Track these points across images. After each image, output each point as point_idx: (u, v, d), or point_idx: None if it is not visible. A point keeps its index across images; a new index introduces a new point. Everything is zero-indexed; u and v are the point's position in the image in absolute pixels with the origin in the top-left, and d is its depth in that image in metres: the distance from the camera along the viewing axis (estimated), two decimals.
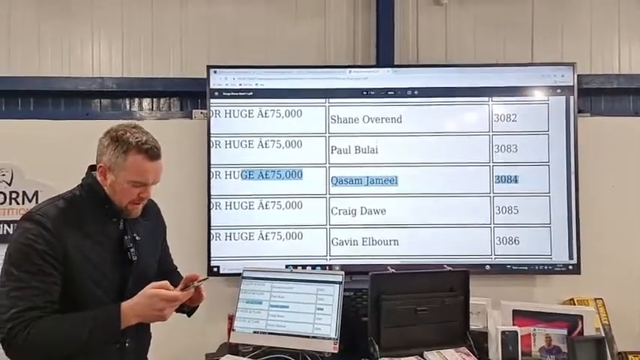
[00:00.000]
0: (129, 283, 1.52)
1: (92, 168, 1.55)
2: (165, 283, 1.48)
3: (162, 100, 2.99)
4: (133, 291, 1.48)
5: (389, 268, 2.23)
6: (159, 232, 1.77)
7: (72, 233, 1.44)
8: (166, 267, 1.82)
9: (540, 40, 2.97)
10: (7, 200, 2.76)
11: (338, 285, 2.22)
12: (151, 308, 1.43)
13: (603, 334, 2.51)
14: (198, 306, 1.74)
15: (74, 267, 1.42)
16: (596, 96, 3.00)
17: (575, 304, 2.65)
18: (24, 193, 2.76)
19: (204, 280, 1.59)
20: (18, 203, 2.75)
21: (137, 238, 1.57)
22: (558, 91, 2.74)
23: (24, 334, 1.33)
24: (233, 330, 2.23)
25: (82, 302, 1.43)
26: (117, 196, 1.49)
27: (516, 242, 2.70)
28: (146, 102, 2.99)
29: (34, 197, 2.75)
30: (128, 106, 2.98)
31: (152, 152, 1.48)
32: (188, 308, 1.73)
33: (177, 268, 1.90)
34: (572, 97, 2.73)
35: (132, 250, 1.53)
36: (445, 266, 2.30)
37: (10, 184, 2.76)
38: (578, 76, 2.77)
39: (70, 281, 1.42)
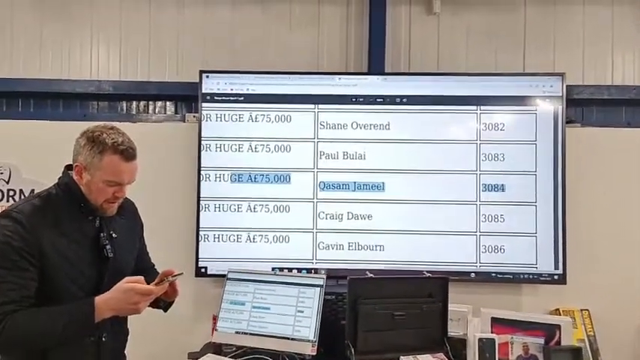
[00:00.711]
0: (105, 279, 1.56)
1: (69, 167, 1.59)
2: (140, 278, 1.52)
3: (157, 104, 3.07)
4: (109, 287, 1.52)
5: (367, 272, 2.25)
6: (136, 230, 1.80)
7: (48, 231, 1.47)
8: (144, 264, 1.85)
9: (532, 51, 2.99)
10: (5, 198, 2.84)
11: (319, 288, 2.25)
12: (125, 302, 1.47)
13: (587, 346, 2.51)
14: (173, 301, 1.78)
15: (50, 264, 1.46)
16: (587, 106, 3.01)
17: (560, 315, 2.64)
18: (21, 191, 2.84)
19: (179, 275, 1.62)
20: (15, 201, 2.83)
21: (114, 235, 1.61)
22: (547, 100, 2.75)
23: (1, 326, 1.36)
24: (216, 330, 2.28)
25: (58, 299, 1.46)
26: (92, 195, 1.53)
27: (502, 251, 2.71)
28: (142, 105, 3.07)
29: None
30: (124, 109, 3.06)
31: (127, 153, 1.52)
32: (164, 303, 1.76)
33: (154, 265, 1.94)
34: (560, 107, 2.74)
35: (108, 247, 1.57)
36: (425, 272, 2.32)
37: (7, 182, 2.84)
38: (569, 86, 2.78)
39: (46, 278, 1.46)
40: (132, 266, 1.73)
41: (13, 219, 1.45)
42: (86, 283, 1.52)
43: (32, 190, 2.82)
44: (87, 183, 1.52)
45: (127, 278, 1.52)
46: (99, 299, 1.47)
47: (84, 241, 1.54)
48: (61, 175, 1.60)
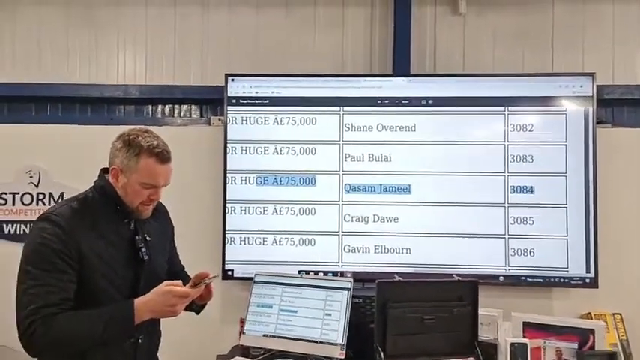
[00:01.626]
0: (141, 281, 1.58)
1: (104, 171, 1.62)
2: (178, 282, 1.55)
3: (183, 107, 3.09)
4: (145, 289, 1.54)
5: (395, 275, 2.23)
6: (167, 233, 1.82)
7: (86, 233, 1.49)
8: (175, 267, 1.87)
9: (560, 51, 2.94)
10: (35, 201, 2.89)
11: (347, 291, 2.24)
12: (163, 304, 1.49)
13: (620, 350, 2.45)
14: (206, 304, 1.80)
15: (88, 266, 1.47)
16: (617, 106, 2.94)
17: (592, 319, 2.59)
18: (50, 194, 2.89)
19: (214, 277, 1.64)
20: (45, 204, 2.88)
21: (147, 238, 1.63)
22: (577, 101, 2.70)
23: (42, 330, 1.38)
24: (243, 333, 2.28)
25: (95, 300, 1.48)
26: (128, 197, 1.55)
27: (531, 254, 2.67)
28: (167, 108, 3.09)
29: (60, 198, 2.87)
30: (150, 113, 3.09)
31: (162, 156, 1.54)
32: (196, 306, 1.78)
33: (184, 267, 1.95)
34: (590, 108, 2.69)
35: (143, 249, 1.59)
36: (454, 275, 2.29)
37: (37, 186, 2.89)
38: (598, 86, 2.73)
39: (85, 280, 1.47)
40: (165, 268, 1.74)
41: (52, 222, 1.46)
42: (122, 285, 1.54)
43: (62, 194, 2.88)
44: (123, 186, 1.54)
45: (165, 282, 1.53)
46: (138, 301, 1.49)
47: (120, 244, 1.56)
48: (95, 178, 1.63)
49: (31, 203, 2.89)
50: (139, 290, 1.55)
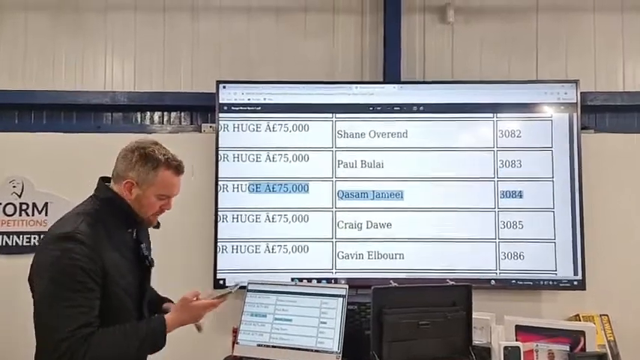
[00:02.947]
0: (147, 287, 1.65)
1: (104, 180, 1.62)
2: (196, 292, 1.64)
3: (172, 114, 3.05)
4: (147, 296, 1.64)
5: (391, 281, 2.24)
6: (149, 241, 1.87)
7: (105, 248, 1.49)
8: None
9: (545, 58, 3.01)
10: (18, 211, 2.81)
11: (342, 298, 2.23)
12: (192, 317, 1.62)
13: (608, 351, 2.50)
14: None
15: (110, 279, 1.49)
16: (600, 113, 3.02)
17: (580, 320, 2.64)
18: (34, 204, 2.81)
19: (236, 286, 1.75)
20: (28, 215, 2.80)
21: (145, 246, 1.68)
22: (562, 107, 2.77)
23: (83, 350, 1.38)
24: (237, 343, 2.24)
25: (112, 308, 1.49)
26: (143, 208, 1.57)
27: (521, 257, 2.71)
28: (157, 116, 3.05)
29: (44, 209, 2.81)
30: (139, 120, 3.05)
31: (180, 168, 1.61)
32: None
33: None
34: (575, 114, 2.76)
35: (149, 257, 1.65)
36: (448, 280, 2.31)
37: (20, 196, 2.82)
38: (582, 93, 2.80)
39: (106, 292, 1.48)
40: None
41: (77, 240, 1.44)
42: (133, 293, 1.58)
43: (46, 204, 2.81)
44: (137, 197, 1.56)
45: (186, 296, 1.61)
46: (168, 317, 1.56)
47: (127, 253, 1.59)
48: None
49: (14, 214, 2.81)
50: (144, 296, 1.62)
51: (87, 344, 1.39)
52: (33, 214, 2.81)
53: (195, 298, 1.61)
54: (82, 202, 1.61)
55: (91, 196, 1.61)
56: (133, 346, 1.46)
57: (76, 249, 1.43)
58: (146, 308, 1.68)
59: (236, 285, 1.71)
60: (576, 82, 2.80)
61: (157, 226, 1.69)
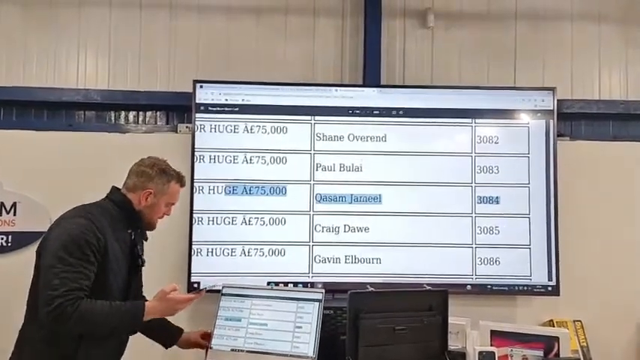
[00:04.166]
0: (132, 284, 1.85)
1: (115, 188, 1.87)
2: (173, 286, 1.79)
3: (148, 114, 2.99)
4: (133, 293, 1.85)
5: (368, 286, 2.23)
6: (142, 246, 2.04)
7: (109, 234, 1.73)
8: None
9: (523, 65, 3.05)
10: None
11: (318, 303, 2.20)
12: (168, 309, 1.78)
13: (581, 356, 2.53)
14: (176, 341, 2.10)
15: (107, 262, 1.71)
16: (576, 120, 3.07)
17: (554, 326, 2.67)
18: (2, 204, 2.72)
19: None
20: None
21: (140, 247, 1.90)
22: (538, 114, 2.80)
23: (73, 308, 1.58)
24: (210, 348, 2.20)
25: (102, 291, 1.68)
26: (153, 214, 1.87)
27: (497, 263, 2.73)
28: (132, 115, 2.99)
29: (12, 209, 2.72)
30: (113, 119, 2.97)
31: (184, 180, 1.96)
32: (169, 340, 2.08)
33: None
34: (551, 121, 2.79)
35: (142, 257, 1.89)
36: (425, 285, 2.31)
37: None
38: (558, 100, 2.84)
39: (101, 272, 1.69)
40: None
41: (87, 219, 1.70)
42: (121, 284, 1.79)
43: (14, 204, 2.71)
44: (151, 205, 1.84)
45: (165, 289, 1.76)
46: (148, 304, 1.74)
47: (125, 249, 1.82)
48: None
49: None
50: (130, 292, 1.82)
51: (76, 306, 1.58)
52: (1, 214, 2.72)
53: (172, 292, 1.77)
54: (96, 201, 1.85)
55: (104, 197, 1.85)
56: (113, 320, 1.66)
57: (86, 225, 1.68)
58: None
59: (213, 285, 1.90)
60: (553, 89, 2.84)
61: (146, 238, 1.93)
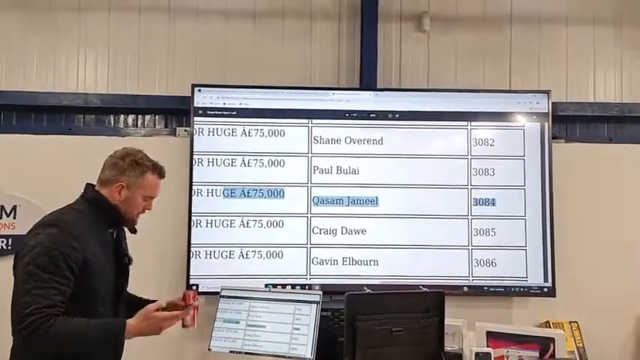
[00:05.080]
0: (123, 285, 1.76)
1: (90, 185, 1.75)
2: (160, 304, 1.66)
3: (146, 117, 3.02)
4: (122, 293, 1.75)
5: (365, 288, 2.24)
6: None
7: (87, 239, 1.61)
8: None
9: (518, 68, 3.07)
10: None
11: (315, 305, 2.22)
12: (150, 328, 1.63)
13: (577, 357, 2.55)
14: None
15: (89, 268, 1.59)
16: (571, 123, 3.10)
17: (550, 327, 2.68)
18: (2, 207, 2.73)
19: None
20: None
21: (124, 244, 1.81)
22: (534, 117, 2.82)
23: (45, 326, 1.47)
24: (209, 349, 2.22)
25: (86, 298, 1.59)
26: (130, 208, 1.72)
27: (493, 264, 2.74)
28: (130, 119, 3.01)
29: (12, 212, 2.73)
30: (112, 123, 3.00)
31: (163, 172, 1.79)
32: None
33: None
34: (546, 124, 2.81)
35: (128, 255, 1.78)
36: (421, 287, 2.32)
37: None
38: (553, 103, 2.86)
39: (85, 282, 1.58)
40: None
41: (61, 228, 1.57)
42: (110, 288, 1.69)
43: (14, 207, 2.73)
44: (126, 199, 1.70)
45: (149, 307, 1.64)
46: (130, 322, 1.60)
47: (108, 250, 1.71)
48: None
49: None
50: (121, 294, 1.73)
51: (49, 324, 1.48)
52: (1, 217, 2.73)
53: (158, 310, 1.65)
54: (70, 203, 1.73)
55: (79, 197, 1.73)
56: (90, 339, 1.55)
57: (58, 234, 1.55)
58: (123, 307, 1.74)
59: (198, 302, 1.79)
60: (548, 92, 2.86)
61: (134, 231, 1.81)
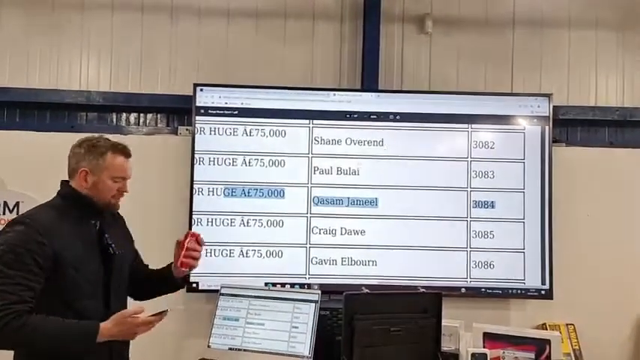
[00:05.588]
0: (113, 275, 1.73)
1: (64, 181, 1.74)
2: (139, 309, 1.63)
3: (148, 116, 3.03)
4: (116, 284, 1.73)
5: (363, 288, 2.26)
6: (129, 238, 1.94)
7: (59, 234, 1.60)
8: (142, 267, 2.01)
9: (520, 71, 3.08)
10: None
11: (314, 304, 2.24)
12: (124, 332, 1.62)
13: (574, 359, 2.56)
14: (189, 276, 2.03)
15: (66, 265, 1.59)
16: (572, 126, 3.10)
17: (547, 329, 2.70)
18: (5, 203, 2.76)
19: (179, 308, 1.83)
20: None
21: (108, 236, 1.75)
22: (534, 120, 2.83)
23: (17, 323, 1.47)
24: (209, 346, 2.24)
25: (72, 295, 1.61)
26: (101, 193, 1.69)
27: (491, 266, 2.76)
28: (132, 117, 3.03)
29: (15, 208, 2.75)
30: (114, 121, 3.02)
31: (127, 150, 1.75)
32: (181, 280, 1.95)
33: (147, 265, 2.06)
34: (547, 127, 2.82)
35: (113, 245, 1.73)
36: (419, 288, 2.34)
37: None
38: (554, 107, 2.87)
39: (60, 276, 1.58)
40: (129, 265, 1.86)
41: (27, 225, 1.57)
42: (96, 281, 1.68)
43: (17, 204, 2.75)
44: (94, 184, 1.68)
45: (125, 312, 1.63)
46: (103, 325, 1.58)
47: (90, 243, 1.69)
48: (55, 187, 1.74)
49: None
50: (111, 285, 1.70)
51: (22, 321, 1.48)
52: (4, 214, 2.75)
53: (133, 315, 1.62)
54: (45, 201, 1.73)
55: (55, 195, 1.73)
56: (62, 340, 1.54)
57: (25, 231, 1.56)
58: (115, 296, 1.73)
59: (176, 306, 1.80)
60: (549, 95, 2.87)
61: (116, 209, 1.78)
